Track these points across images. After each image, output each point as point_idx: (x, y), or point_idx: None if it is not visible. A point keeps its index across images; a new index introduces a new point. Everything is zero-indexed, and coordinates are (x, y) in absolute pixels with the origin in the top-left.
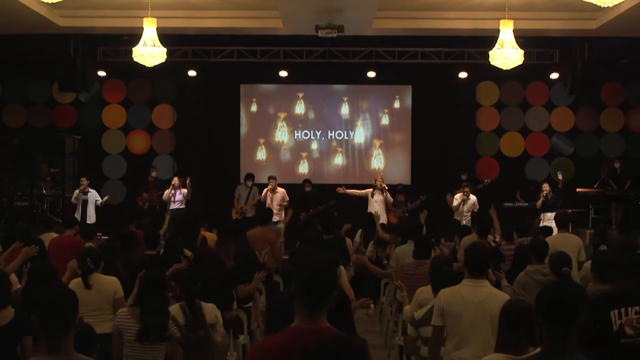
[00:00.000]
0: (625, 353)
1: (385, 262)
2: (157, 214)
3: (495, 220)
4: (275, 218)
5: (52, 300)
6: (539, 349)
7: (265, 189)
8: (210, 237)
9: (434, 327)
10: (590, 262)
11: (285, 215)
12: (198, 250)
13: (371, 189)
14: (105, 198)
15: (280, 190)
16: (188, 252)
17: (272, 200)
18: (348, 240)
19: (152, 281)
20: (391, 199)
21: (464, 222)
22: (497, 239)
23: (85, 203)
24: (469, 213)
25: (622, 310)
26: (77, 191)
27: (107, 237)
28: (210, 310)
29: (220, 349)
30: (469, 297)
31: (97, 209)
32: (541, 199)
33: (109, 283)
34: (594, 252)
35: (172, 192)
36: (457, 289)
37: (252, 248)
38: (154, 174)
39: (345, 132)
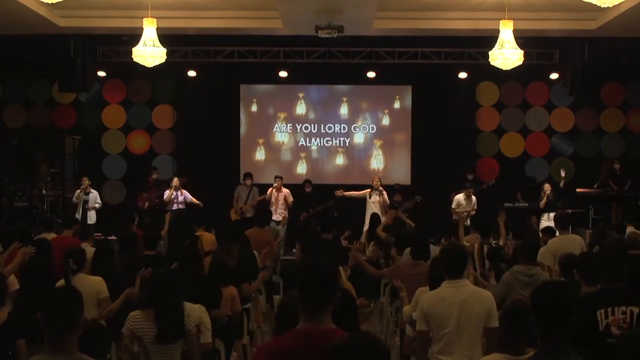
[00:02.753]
0: (611, 353)
1: (382, 261)
2: (157, 214)
3: (502, 227)
4: (278, 217)
5: (58, 300)
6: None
7: (271, 188)
8: (208, 237)
9: (419, 332)
10: None
11: (288, 216)
12: (183, 251)
13: (369, 190)
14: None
15: (285, 190)
16: None
17: (276, 199)
18: (344, 241)
19: (161, 281)
20: (388, 201)
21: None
22: (501, 243)
23: (85, 203)
24: (466, 212)
25: (609, 310)
26: (78, 191)
27: (102, 238)
28: (195, 312)
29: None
30: (451, 298)
31: (96, 210)
32: (544, 199)
33: (93, 283)
34: (582, 254)
35: (174, 193)
36: (439, 291)
37: (250, 248)
38: (155, 175)
39: (345, 132)
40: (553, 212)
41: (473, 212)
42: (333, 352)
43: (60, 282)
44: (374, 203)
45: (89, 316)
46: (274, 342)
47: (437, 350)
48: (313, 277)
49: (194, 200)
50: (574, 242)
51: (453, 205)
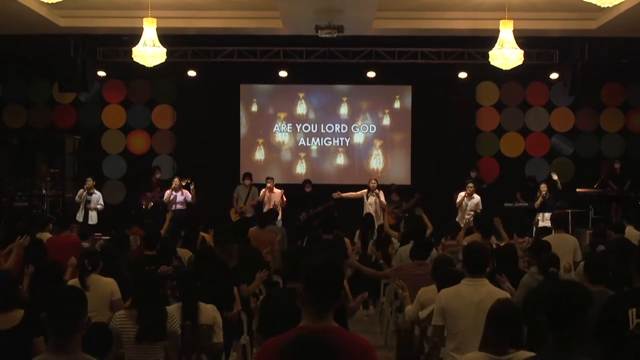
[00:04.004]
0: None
1: (381, 261)
2: (159, 214)
3: (501, 229)
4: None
5: (60, 300)
6: (521, 351)
7: (264, 189)
8: (206, 237)
9: (434, 326)
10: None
11: (282, 216)
12: (198, 251)
13: (366, 190)
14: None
15: (278, 190)
16: (183, 252)
17: (269, 200)
18: (347, 240)
19: (147, 281)
20: (385, 202)
21: (466, 220)
22: (502, 244)
23: (88, 203)
24: (472, 212)
25: None
26: (81, 190)
27: (107, 238)
28: (209, 312)
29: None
30: (469, 296)
31: (98, 211)
32: (539, 199)
33: (107, 285)
34: (591, 253)
35: (173, 193)
36: (457, 288)
37: (256, 247)
38: (158, 175)
39: (345, 132)
40: (549, 212)
41: (478, 210)
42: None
43: (75, 282)
44: (371, 204)
45: (101, 317)
46: (278, 340)
47: (451, 348)
48: (323, 277)
49: (193, 195)
50: (567, 242)
51: (457, 201)
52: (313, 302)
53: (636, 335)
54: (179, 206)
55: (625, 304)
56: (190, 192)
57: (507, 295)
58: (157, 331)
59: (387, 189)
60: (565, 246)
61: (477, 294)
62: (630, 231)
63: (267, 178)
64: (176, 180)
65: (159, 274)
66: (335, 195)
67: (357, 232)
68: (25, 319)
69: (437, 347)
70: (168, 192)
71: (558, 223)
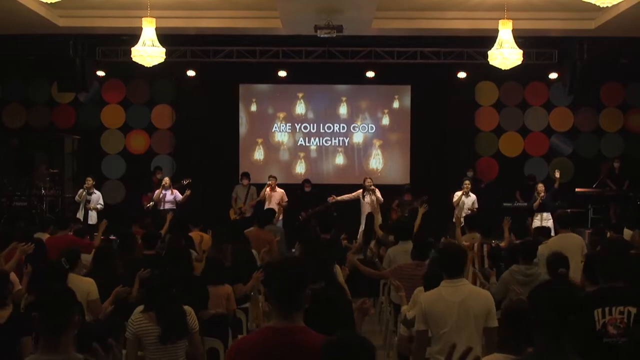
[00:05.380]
0: (607, 352)
1: (376, 260)
2: (158, 214)
3: (506, 231)
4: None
5: (50, 299)
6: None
7: (266, 187)
8: (206, 237)
9: (417, 331)
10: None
11: (283, 215)
12: (172, 251)
13: (361, 190)
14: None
15: (280, 190)
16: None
17: (270, 198)
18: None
19: (159, 283)
20: (381, 199)
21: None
22: (502, 244)
23: (87, 203)
24: (470, 211)
25: (607, 309)
26: (81, 190)
27: (103, 238)
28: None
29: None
30: (450, 297)
31: (97, 211)
32: (538, 200)
33: (83, 284)
34: (589, 253)
35: (163, 192)
36: (437, 291)
37: (249, 248)
38: (159, 175)
39: (345, 132)
40: (547, 212)
41: (474, 209)
42: (321, 351)
43: None
44: (368, 203)
45: None
46: (246, 338)
47: (436, 350)
48: (284, 278)
49: (185, 197)
50: (572, 241)
51: (454, 200)
52: (277, 302)
53: (608, 344)
54: (168, 205)
55: (590, 304)
56: (180, 193)
57: (488, 294)
58: (180, 330)
59: (400, 188)
60: (572, 245)
61: (458, 294)
62: (626, 231)
63: (270, 176)
64: (166, 179)
65: (169, 272)
66: (330, 199)
67: (360, 230)
68: (13, 317)
69: (422, 351)
70: (158, 190)
71: (562, 223)
